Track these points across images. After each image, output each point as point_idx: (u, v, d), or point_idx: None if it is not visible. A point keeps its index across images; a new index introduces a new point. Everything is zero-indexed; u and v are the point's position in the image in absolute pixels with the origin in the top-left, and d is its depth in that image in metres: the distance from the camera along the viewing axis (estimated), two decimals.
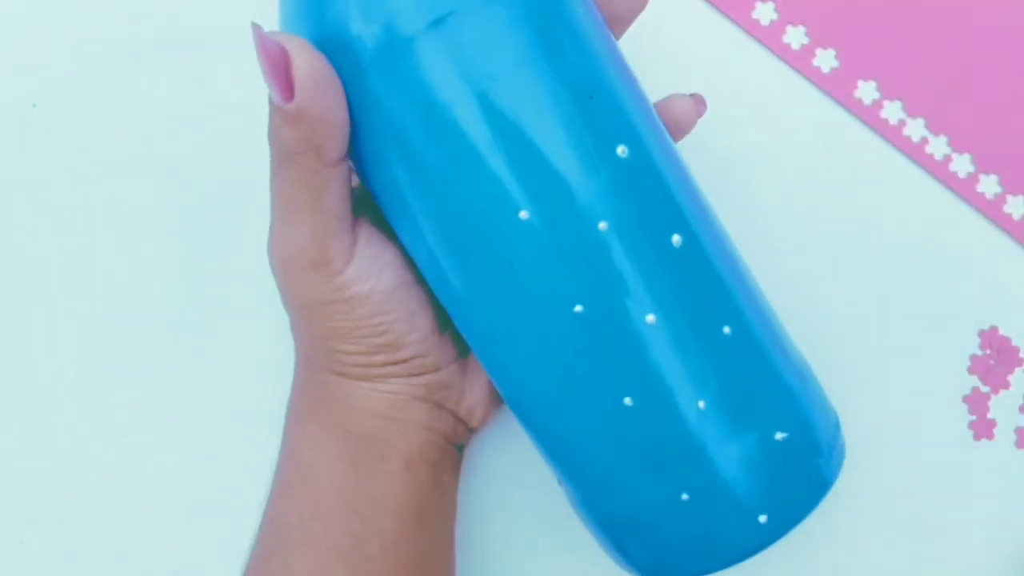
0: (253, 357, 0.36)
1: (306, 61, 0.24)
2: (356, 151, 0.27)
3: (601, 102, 0.25)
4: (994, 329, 0.38)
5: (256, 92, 0.35)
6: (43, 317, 0.36)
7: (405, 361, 0.30)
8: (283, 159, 0.26)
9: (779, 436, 0.26)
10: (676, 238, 0.26)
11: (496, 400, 0.33)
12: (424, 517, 0.30)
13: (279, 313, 0.30)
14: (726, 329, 0.26)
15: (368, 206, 0.29)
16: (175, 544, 0.36)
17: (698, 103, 0.31)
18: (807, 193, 0.38)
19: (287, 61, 0.24)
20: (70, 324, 0.36)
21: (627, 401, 0.26)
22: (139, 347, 0.36)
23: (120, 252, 0.36)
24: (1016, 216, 0.38)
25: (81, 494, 0.36)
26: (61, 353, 0.36)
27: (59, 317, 0.36)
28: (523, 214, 0.25)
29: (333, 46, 0.25)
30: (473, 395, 0.32)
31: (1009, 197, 0.38)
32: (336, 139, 0.26)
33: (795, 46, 0.38)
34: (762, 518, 0.26)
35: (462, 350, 0.31)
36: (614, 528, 0.28)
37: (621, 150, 0.25)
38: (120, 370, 0.36)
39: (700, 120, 0.31)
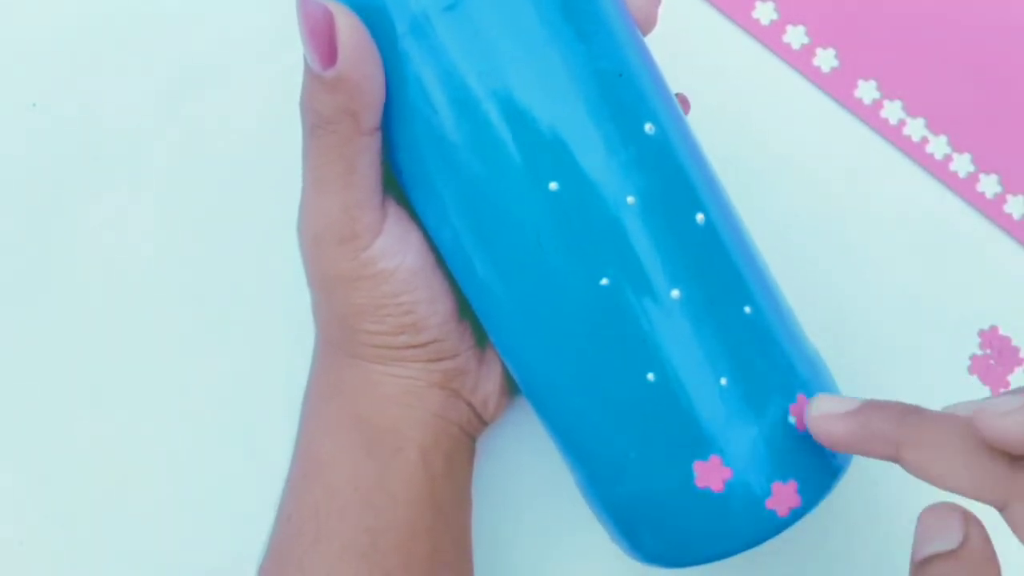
0: (267, 351, 0.36)
1: (349, 26, 0.24)
2: (381, 128, 0.27)
3: (629, 80, 0.26)
4: (994, 329, 0.38)
5: (260, 84, 0.35)
6: (44, 315, 0.36)
7: (424, 345, 0.30)
8: (317, 128, 0.26)
9: (795, 419, 0.27)
10: (700, 216, 0.26)
11: (509, 392, 0.33)
12: (439, 509, 0.30)
13: (295, 306, 0.30)
14: (747, 309, 0.27)
15: (395, 188, 0.29)
16: (187, 542, 0.36)
17: (683, 102, 0.31)
18: (807, 193, 0.38)
19: (331, 25, 0.24)
20: (72, 321, 0.36)
21: (650, 377, 0.26)
22: (147, 342, 0.36)
23: (123, 250, 0.36)
24: (1016, 215, 0.38)
25: (86, 492, 0.36)
26: (63, 351, 0.36)
27: (61, 315, 0.36)
28: (552, 186, 0.25)
29: (364, 16, 0.25)
30: (488, 385, 0.32)
31: (1009, 196, 0.38)
32: (373, 106, 0.26)
33: (795, 46, 0.38)
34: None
35: (479, 339, 0.31)
36: (625, 512, 0.28)
37: (648, 127, 0.26)
38: (127, 365, 0.36)
39: (695, 119, 0.31)
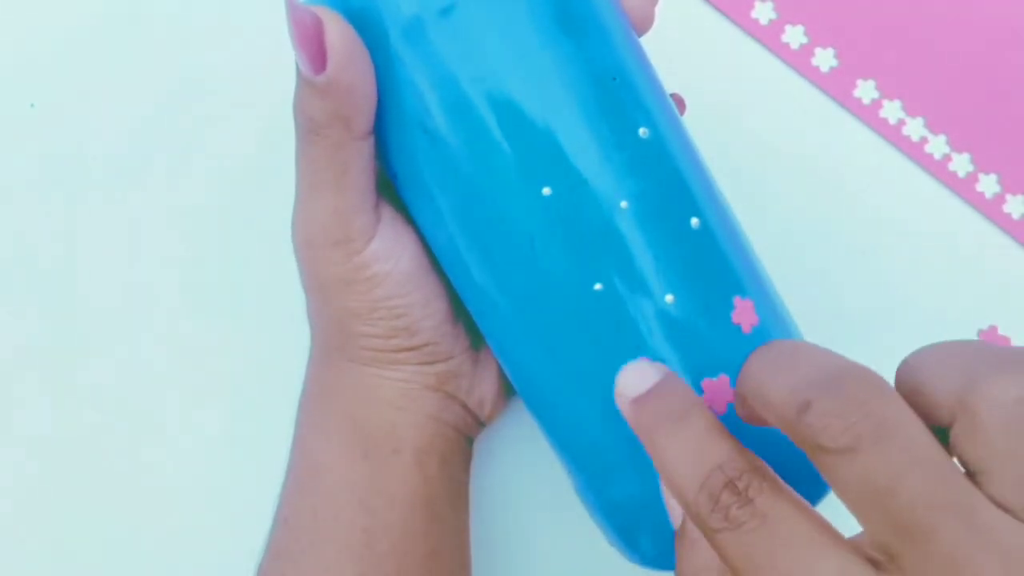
0: (264, 353, 0.36)
1: (338, 32, 0.25)
2: (376, 132, 0.27)
3: (623, 84, 0.26)
4: (993, 328, 0.38)
5: (257, 84, 0.35)
6: (44, 316, 0.36)
7: (419, 348, 0.30)
8: (309, 133, 0.26)
9: None
10: (695, 220, 0.26)
11: (505, 393, 0.33)
12: (436, 510, 0.30)
13: (291, 309, 0.30)
14: None
15: (390, 191, 0.29)
16: (186, 542, 0.36)
17: (678, 102, 0.31)
18: (806, 193, 0.38)
19: (320, 31, 0.25)
20: (71, 321, 0.36)
21: None
22: (145, 344, 0.36)
23: (123, 251, 0.37)
24: (1015, 215, 0.38)
25: (85, 492, 0.36)
26: (62, 351, 0.36)
27: (60, 316, 0.36)
28: (546, 191, 0.25)
29: (358, 20, 0.25)
30: (483, 386, 0.32)
31: (1008, 196, 0.38)
32: (365, 111, 0.26)
33: (794, 45, 0.38)
34: None
35: (474, 341, 0.31)
36: (621, 516, 0.28)
37: (643, 131, 0.26)
38: (126, 366, 0.36)
39: (693, 120, 0.31)
